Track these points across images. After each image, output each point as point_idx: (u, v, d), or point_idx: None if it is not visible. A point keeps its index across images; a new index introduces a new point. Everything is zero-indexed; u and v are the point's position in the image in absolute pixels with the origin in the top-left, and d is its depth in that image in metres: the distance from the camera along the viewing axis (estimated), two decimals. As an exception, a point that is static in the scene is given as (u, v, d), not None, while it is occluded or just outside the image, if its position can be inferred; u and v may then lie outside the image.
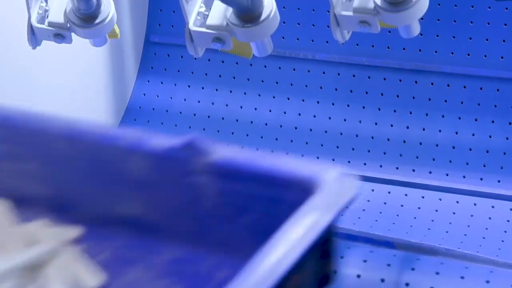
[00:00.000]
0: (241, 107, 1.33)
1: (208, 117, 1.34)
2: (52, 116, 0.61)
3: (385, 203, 1.20)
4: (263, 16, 0.96)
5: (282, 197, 0.56)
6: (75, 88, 1.27)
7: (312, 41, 1.28)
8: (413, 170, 1.22)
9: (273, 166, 0.56)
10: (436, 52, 1.22)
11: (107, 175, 0.61)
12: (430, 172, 1.21)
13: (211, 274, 0.57)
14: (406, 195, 1.21)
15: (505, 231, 1.13)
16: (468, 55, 1.20)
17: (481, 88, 1.21)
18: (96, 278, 0.57)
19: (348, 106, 1.28)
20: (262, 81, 1.32)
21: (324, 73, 1.28)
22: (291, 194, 0.55)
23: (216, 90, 1.34)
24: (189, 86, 1.36)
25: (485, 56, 1.19)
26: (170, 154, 0.58)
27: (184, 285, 0.56)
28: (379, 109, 1.26)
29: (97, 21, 1.06)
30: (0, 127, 0.62)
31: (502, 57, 1.18)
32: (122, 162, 0.60)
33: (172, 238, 0.59)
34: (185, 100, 1.35)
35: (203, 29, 1.00)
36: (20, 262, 0.56)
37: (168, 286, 0.56)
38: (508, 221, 1.13)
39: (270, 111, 1.31)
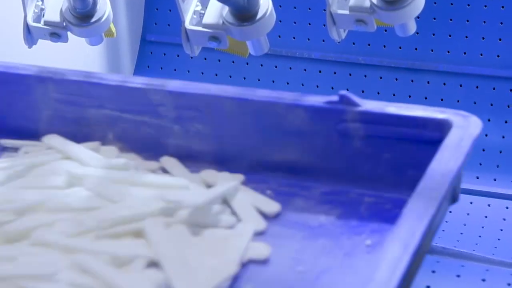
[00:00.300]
0: (238, 106, 1.33)
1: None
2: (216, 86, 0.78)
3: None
4: (259, 15, 0.96)
5: (419, 137, 0.71)
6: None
7: (309, 39, 1.28)
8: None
9: (410, 111, 0.71)
10: (432, 50, 1.22)
11: (268, 129, 0.75)
12: (427, 171, 1.21)
13: (360, 199, 0.71)
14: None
15: (501, 229, 1.13)
16: (464, 53, 1.20)
17: (477, 87, 1.21)
18: (274, 206, 0.70)
19: (344, 104, 1.28)
20: (259, 80, 1.32)
21: (320, 71, 1.29)
22: (426, 134, 0.70)
23: (213, 88, 1.35)
24: (185, 85, 1.36)
25: (481, 54, 1.19)
26: (325, 106, 0.74)
27: (341, 209, 0.70)
28: (375, 108, 1.26)
29: (93, 20, 1.06)
30: (172, 96, 0.77)
31: (498, 56, 1.19)
32: (283, 117, 0.74)
33: (324, 175, 0.74)
34: (181, 99, 1.36)
35: (199, 28, 1.00)
36: (218, 194, 0.69)
37: (329, 210, 0.70)
38: (504, 219, 1.14)
39: (267, 109, 1.32)
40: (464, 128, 0.70)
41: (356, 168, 0.74)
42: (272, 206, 0.71)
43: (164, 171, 0.76)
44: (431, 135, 0.71)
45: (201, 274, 0.60)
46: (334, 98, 0.73)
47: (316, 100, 0.74)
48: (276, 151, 0.76)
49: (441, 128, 0.70)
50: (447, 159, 0.66)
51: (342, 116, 0.73)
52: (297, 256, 0.64)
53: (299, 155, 0.75)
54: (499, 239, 1.14)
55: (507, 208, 1.17)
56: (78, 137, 0.79)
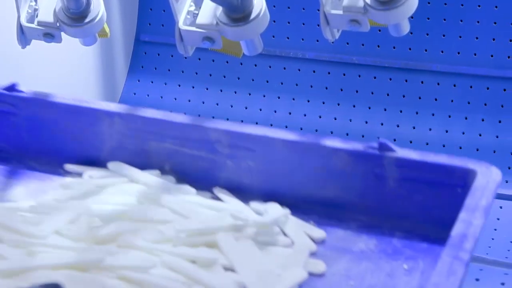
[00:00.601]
0: (232, 106, 1.33)
1: (199, 116, 1.34)
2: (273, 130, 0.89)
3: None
4: (252, 15, 0.96)
5: (446, 182, 0.82)
6: (65, 87, 1.27)
7: (303, 39, 1.28)
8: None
9: (440, 159, 0.82)
10: (426, 50, 1.22)
11: (312, 169, 0.86)
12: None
13: (392, 233, 0.84)
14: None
15: (495, 229, 1.13)
16: (458, 53, 1.21)
17: (471, 86, 1.21)
18: (320, 232, 0.82)
19: (338, 104, 1.28)
20: (253, 80, 1.32)
21: (314, 71, 1.29)
22: (453, 181, 0.82)
23: (207, 89, 1.34)
24: (179, 85, 1.36)
25: (475, 54, 1.19)
26: (366, 151, 0.84)
27: (376, 240, 0.83)
28: (369, 108, 1.26)
29: (86, 20, 1.06)
30: (228, 134, 0.88)
31: (491, 55, 1.19)
32: (327, 158, 0.85)
33: (360, 211, 0.85)
34: (175, 99, 1.35)
35: (193, 28, 1.00)
36: (277, 216, 0.81)
37: (366, 240, 0.83)
38: (498, 219, 1.14)
39: (261, 109, 1.32)
40: (488, 176, 0.81)
41: (389, 206, 0.85)
42: (318, 233, 0.82)
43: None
44: (457, 182, 0.82)
45: (272, 280, 0.72)
46: (374, 144, 0.84)
47: (358, 145, 0.85)
48: (319, 188, 0.87)
49: (467, 176, 0.82)
50: (478, 197, 0.78)
51: (380, 161, 0.85)
52: (346, 273, 0.77)
53: (338, 192, 0.86)
54: (493, 239, 1.15)
55: (501, 207, 1.17)
56: (137, 167, 0.90)
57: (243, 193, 0.89)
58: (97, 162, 0.91)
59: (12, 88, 0.93)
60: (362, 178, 0.86)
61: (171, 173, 0.92)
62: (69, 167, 0.91)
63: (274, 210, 0.84)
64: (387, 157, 0.85)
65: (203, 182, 0.90)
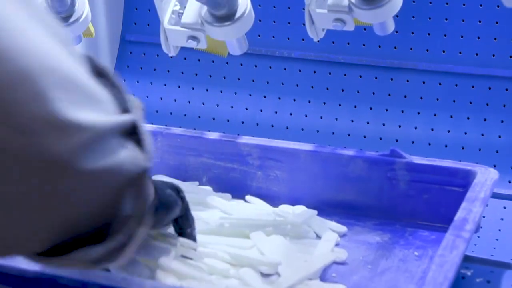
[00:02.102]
0: (218, 105, 1.33)
1: (185, 115, 1.34)
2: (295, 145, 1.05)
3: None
4: (237, 14, 0.96)
5: (450, 183, 0.97)
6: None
7: (288, 38, 1.28)
8: (390, 167, 1.23)
9: (445, 163, 0.98)
10: (411, 49, 1.22)
11: (333, 175, 1.01)
12: (406, 169, 1.22)
13: (404, 229, 0.98)
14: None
15: (499, 230, 1.13)
16: (443, 52, 1.21)
17: (456, 85, 1.21)
18: (342, 228, 0.97)
19: (324, 103, 1.28)
20: (239, 79, 1.32)
21: (300, 70, 1.29)
22: (456, 181, 0.97)
23: (193, 88, 1.34)
24: (165, 85, 1.35)
25: (460, 53, 1.20)
26: (379, 158, 0.99)
27: (390, 234, 0.97)
28: (355, 107, 1.26)
29: (71, 20, 1.05)
30: (258, 148, 1.05)
31: (477, 54, 1.19)
32: (345, 166, 1.01)
33: (375, 211, 1.00)
34: (161, 98, 1.35)
35: (178, 28, 1.00)
36: (309, 215, 0.98)
37: (381, 234, 0.97)
38: (502, 219, 1.14)
39: (247, 109, 1.31)
40: (486, 175, 0.95)
41: (400, 205, 1.00)
42: (340, 228, 0.97)
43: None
44: (460, 182, 0.96)
45: (299, 264, 0.86)
46: (386, 152, 0.99)
47: (372, 153, 1.01)
48: (339, 192, 1.01)
49: (468, 177, 0.95)
50: (477, 191, 0.91)
51: (392, 166, 0.99)
52: (364, 259, 0.91)
53: (356, 195, 1.01)
54: (497, 240, 1.14)
55: (487, 205, 1.17)
56: (178, 180, 1.04)
57: (272, 200, 1.03)
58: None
59: None
60: (376, 182, 1.00)
61: (207, 185, 1.07)
62: None
63: (302, 212, 0.98)
64: (398, 162, 0.99)
65: (236, 191, 1.04)
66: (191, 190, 1.02)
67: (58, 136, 0.50)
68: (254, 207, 1.02)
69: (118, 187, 0.59)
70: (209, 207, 0.99)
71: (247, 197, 1.04)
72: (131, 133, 0.60)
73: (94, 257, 0.61)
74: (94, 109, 0.54)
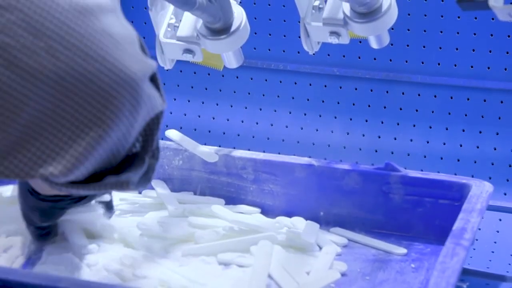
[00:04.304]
0: (213, 118, 1.33)
1: (181, 128, 1.33)
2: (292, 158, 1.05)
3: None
4: (233, 28, 0.96)
5: (443, 196, 0.98)
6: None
7: (284, 51, 1.28)
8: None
9: (439, 177, 0.99)
10: (406, 61, 1.22)
11: (327, 189, 1.02)
12: (402, 181, 1.22)
13: (399, 241, 0.98)
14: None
15: (495, 242, 1.13)
16: (438, 64, 1.21)
17: (451, 97, 1.21)
18: (342, 239, 1.00)
19: (320, 116, 1.28)
20: (234, 92, 1.32)
21: (295, 83, 1.29)
22: (451, 194, 0.97)
23: (188, 101, 1.34)
24: (161, 97, 1.35)
25: (455, 65, 1.20)
26: (374, 171, 1.00)
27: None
28: (350, 119, 1.26)
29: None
30: (252, 161, 1.05)
31: (471, 66, 1.19)
32: (340, 179, 1.01)
33: (371, 224, 1.01)
34: (157, 111, 1.35)
35: (173, 41, 1.00)
36: (316, 230, 1.00)
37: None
38: (498, 231, 1.14)
39: (243, 121, 1.31)
40: (481, 188, 0.95)
41: (395, 218, 1.00)
42: (340, 239, 0.99)
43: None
44: (454, 195, 0.97)
45: (303, 279, 0.89)
46: (381, 165, 1.00)
47: (367, 167, 1.01)
48: (334, 206, 1.02)
49: (462, 190, 0.96)
50: (474, 203, 0.92)
51: (387, 179, 1.00)
52: (362, 271, 0.93)
53: (351, 208, 1.01)
54: (493, 252, 1.14)
55: (500, 220, 1.17)
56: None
57: (266, 213, 1.04)
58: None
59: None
60: (371, 195, 1.00)
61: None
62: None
63: (308, 228, 0.99)
64: (393, 176, 0.99)
65: (231, 204, 1.06)
66: (200, 201, 1.06)
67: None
68: (256, 218, 1.03)
69: (146, 119, 0.71)
70: (219, 217, 1.01)
71: (242, 206, 1.06)
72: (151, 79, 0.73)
73: (134, 180, 0.72)
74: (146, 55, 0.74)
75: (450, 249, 0.81)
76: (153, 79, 0.74)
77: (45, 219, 0.90)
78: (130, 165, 0.72)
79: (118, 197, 1.05)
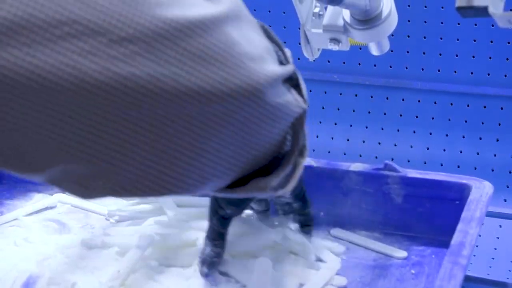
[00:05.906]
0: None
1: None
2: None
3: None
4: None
5: (445, 196, 0.96)
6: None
7: (284, 58, 1.28)
8: (385, 186, 1.23)
9: (439, 177, 0.98)
10: (406, 68, 1.23)
11: (327, 189, 1.02)
12: (402, 188, 1.22)
13: (400, 243, 0.98)
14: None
15: (495, 249, 1.13)
16: (439, 71, 1.21)
17: (451, 104, 1.21)
18: (340, 247, 0.98)
19: (320, 122, 1.28)
20: (235, 98, 1.32)
21: (296, 89, 1.29)
22: (451, 194, 0.96)
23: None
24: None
25: (455, 71, 1.20)
26: (373, 172, 1.00)
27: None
28: (351, 125, 1.26)
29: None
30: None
31: (472, 73, 1.19)
32: (340, 180, 1.01)
33: (371, 225, 1.01)
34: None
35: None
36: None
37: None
38: (498, 238, 1.14)
39: (243, 128, 1.31)
40: (481, 189, 0.94)
41: (395, 219, 1.00)
42: (339, 248, 0.98)
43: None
44: (454, 195, 0.96)
45: None
46: (380, 165, 0.99)
47: (366, 167, 1.00)
48: (334, 206, 1.02)
49: (463, 190, 0.95)
50: (473, 210, 0.90)
51: (386, 180, 0.99)
52: (362, 280, 0.92)
53: (351, 209, 1.01)
54: (493, 258, 1.14)
55: (500, 226, 1.17)
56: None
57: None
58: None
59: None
60: (371, 196, 1.00)
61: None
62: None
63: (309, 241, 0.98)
64: (392, 176, 0.99)
65: None
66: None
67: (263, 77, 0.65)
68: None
69: (287, 124, 0.70)
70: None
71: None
72: (290, 81, 0.71)
73: (273, 185, 0.70)
74: (274, 62, 0.70)
75: (447, 270, 0.79)
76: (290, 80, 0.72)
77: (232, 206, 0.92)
78: (277, 166, 0.72)
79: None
